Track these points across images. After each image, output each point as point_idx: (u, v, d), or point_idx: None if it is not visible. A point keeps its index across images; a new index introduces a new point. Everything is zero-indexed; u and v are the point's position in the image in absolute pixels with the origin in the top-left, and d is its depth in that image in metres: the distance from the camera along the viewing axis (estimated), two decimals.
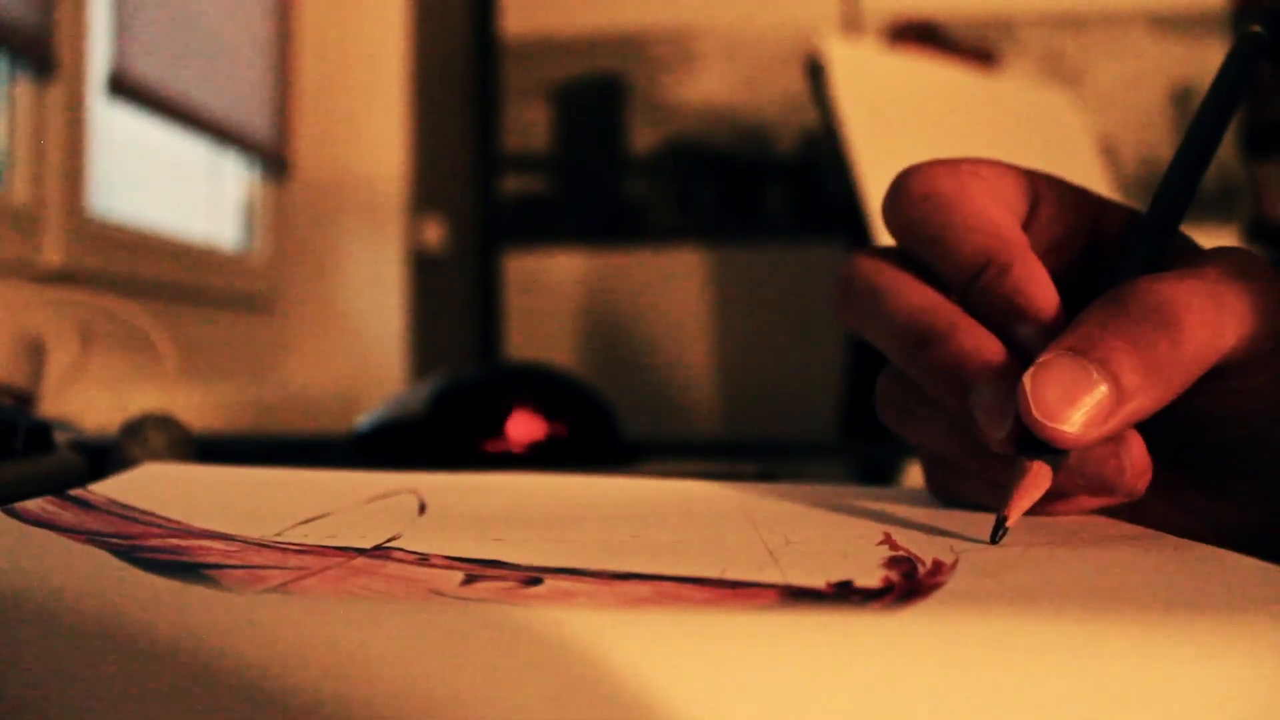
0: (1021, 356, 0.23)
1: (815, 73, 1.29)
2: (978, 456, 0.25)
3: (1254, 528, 0.25)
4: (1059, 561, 0.20)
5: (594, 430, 0.48)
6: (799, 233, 2.23)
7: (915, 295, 0.25)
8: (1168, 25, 2.18)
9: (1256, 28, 0.27)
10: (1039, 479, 0.22)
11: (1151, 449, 0.23)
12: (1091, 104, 2.03)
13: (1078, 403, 0.21)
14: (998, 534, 0.22)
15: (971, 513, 0.26)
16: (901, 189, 0.26)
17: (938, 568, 0.19)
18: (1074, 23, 2.20)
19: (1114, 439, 0.22)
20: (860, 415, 1.50)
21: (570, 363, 2.14)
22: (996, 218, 0.25)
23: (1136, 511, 0.25)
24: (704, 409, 2.23)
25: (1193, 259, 0.24)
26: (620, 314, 2.30)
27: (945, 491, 0.28)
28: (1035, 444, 0.22)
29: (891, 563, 0.20)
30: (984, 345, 0.24)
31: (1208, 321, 0.22)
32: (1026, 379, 0.21)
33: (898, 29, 1.88)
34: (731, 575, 0.19)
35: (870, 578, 0.19)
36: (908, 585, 0.18)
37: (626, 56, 2.29)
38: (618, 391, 0.62)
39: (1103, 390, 0.21)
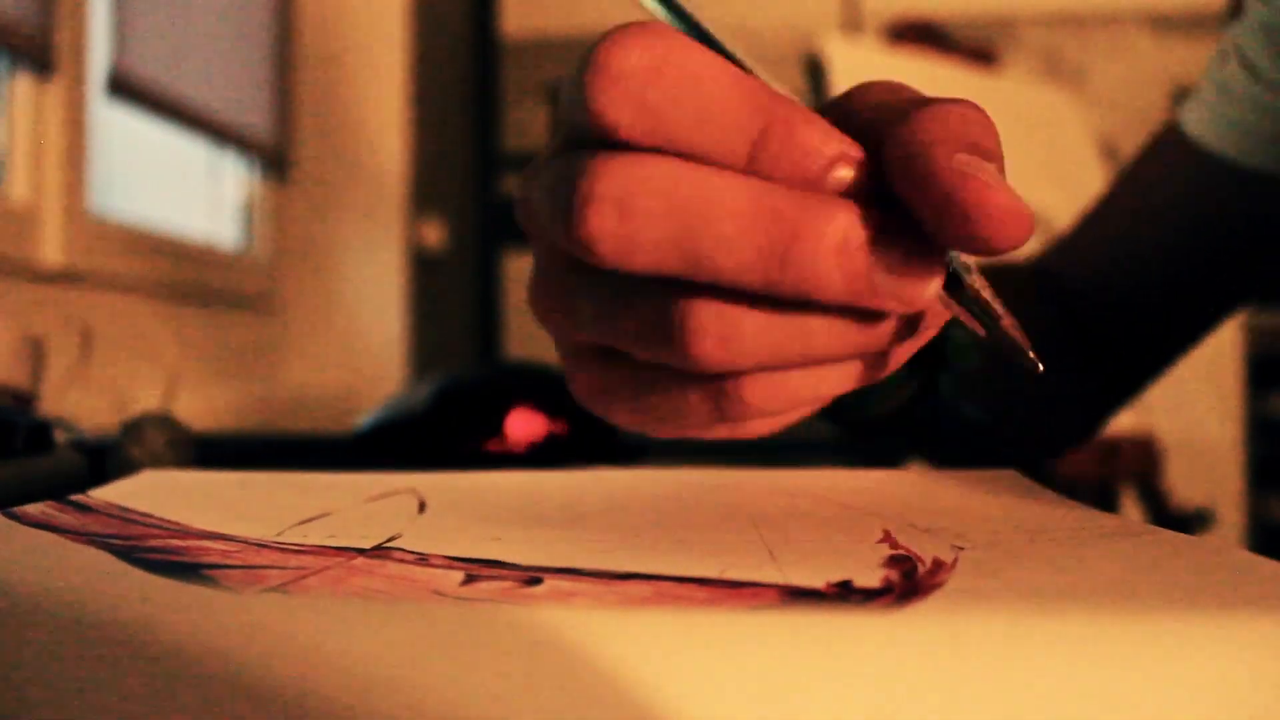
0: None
1: (815, 72, 1.29)
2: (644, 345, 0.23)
3: None
4: (1060, 559, 0.20)
5: (594, 429, 0.48)
6: None
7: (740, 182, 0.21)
8: (1168, 25, 2.18)
9: None
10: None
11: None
12: (1091, 104, 2.03)
13: (1009, 193, 0.20)
14: (1032, 366, 0.22)
15: (971, 510, 0.26)
16: (619, 72, 0.20)
17: (938, 566, 0.19)
18: (1074, 23, 2.20)
19: None
20: None
21: None
22: (745, 74, 0.21)
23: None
24: None
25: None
26: None
27: (598, 399, 0.25)
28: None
29: (891, 561, 0.20)
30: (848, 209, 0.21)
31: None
32: (970, 193, 0.19)
33: (898, 29, 1.88)
34: (731, 575, 0.19)
35: (870, 577, 0.19)
36: (908, 585, 0.18)
37: None
38: None
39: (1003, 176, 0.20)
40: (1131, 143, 2.11)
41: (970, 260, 0.23)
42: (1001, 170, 0.21)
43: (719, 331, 0.22)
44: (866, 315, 0.22)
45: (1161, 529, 0.23)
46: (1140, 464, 1.36)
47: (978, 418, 0.38)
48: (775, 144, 0.21)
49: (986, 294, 0.22)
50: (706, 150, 0.21)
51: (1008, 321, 0.22)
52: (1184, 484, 1.41)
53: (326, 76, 1.84)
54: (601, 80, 0.20)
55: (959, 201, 0.19)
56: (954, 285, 0.22)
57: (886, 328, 0.22)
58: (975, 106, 0.21)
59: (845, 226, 0.21)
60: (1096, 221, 0.52)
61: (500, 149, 2.33)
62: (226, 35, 1.62)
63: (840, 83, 1.27)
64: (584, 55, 0.21)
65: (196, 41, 1.53)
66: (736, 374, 0.23)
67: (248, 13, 1.68)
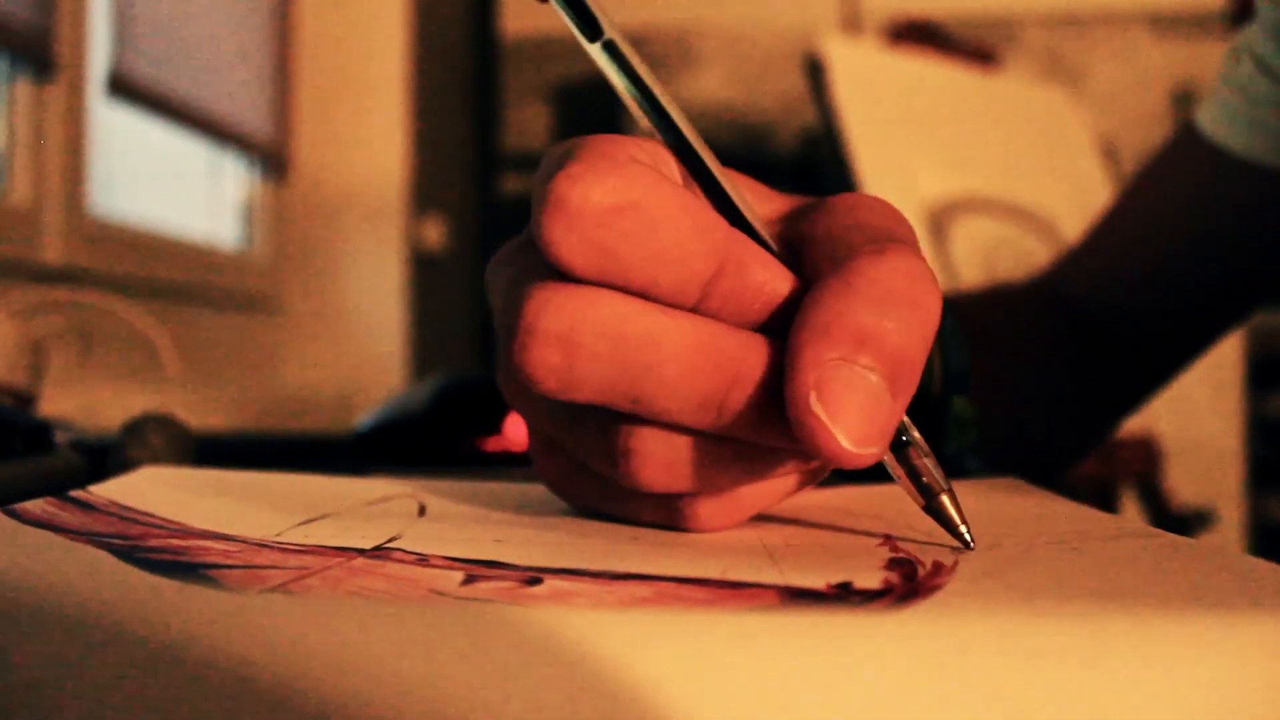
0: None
1: (815, 72, 1.29)
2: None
3: None
4: (1059, 561, 0.20)
5: None
6: None
7: (694, 324, 0.21)
8: (1168, 25, 2.18)
9: None
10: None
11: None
12: (1091, 104, 2.03)
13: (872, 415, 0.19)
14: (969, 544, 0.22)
15: (972, 513, 0.26)
16: (577, 210, 0.20)
17: (938, 569, 0.19)
18: (1074, 23, 2.20)
19: None
20: None
21: None
22: (705, 210, 0.21)
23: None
24: None
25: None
26: None
27: (559, 487, 0.25)
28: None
29: (892, 564, 0.20)
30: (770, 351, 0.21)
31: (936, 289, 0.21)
32: (817, 408, 0.19)
33: (898, 29, 1.88)
34: (731, 576, 0.19)
35: (870, 579, 0.19)
36: (908, 586, 0.18)
37: None
38: None
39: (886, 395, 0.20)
40: (1131, 143, 2.11)
41: (916, 433, 0.23)
42: (899, 352, 0.20)
43: (664, 459, 0.22)
44: None
45: (1162, 532, 0.23)
46: (1140, 464, 1.36)
47: (984, 465, 0.39)
48: (727, 284, 0.21)
49: (929, 463, 0.22)
50: (658, 291, 0.21)
51: (945, 497, 0.22)
52: (1184, 484, 1.41)
53: (326, 76, 1.84)
54: (559, 218, 0.20)
55: (804, 433, 0.19)
56: (898, 446, 0.22)
57: None
58: (898, 270, 0.20)
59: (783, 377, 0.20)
60: (1110, 228, 0.51)
61: (500, 149, 2.33)
62: (226, 35, 1.62)
63: (840, 83, 1.27)
64: (545, 175, 0.21)
65: (196, 41, 1.53)
66: (686, 494, 0.23)
67: (248, 13, 1.68)
